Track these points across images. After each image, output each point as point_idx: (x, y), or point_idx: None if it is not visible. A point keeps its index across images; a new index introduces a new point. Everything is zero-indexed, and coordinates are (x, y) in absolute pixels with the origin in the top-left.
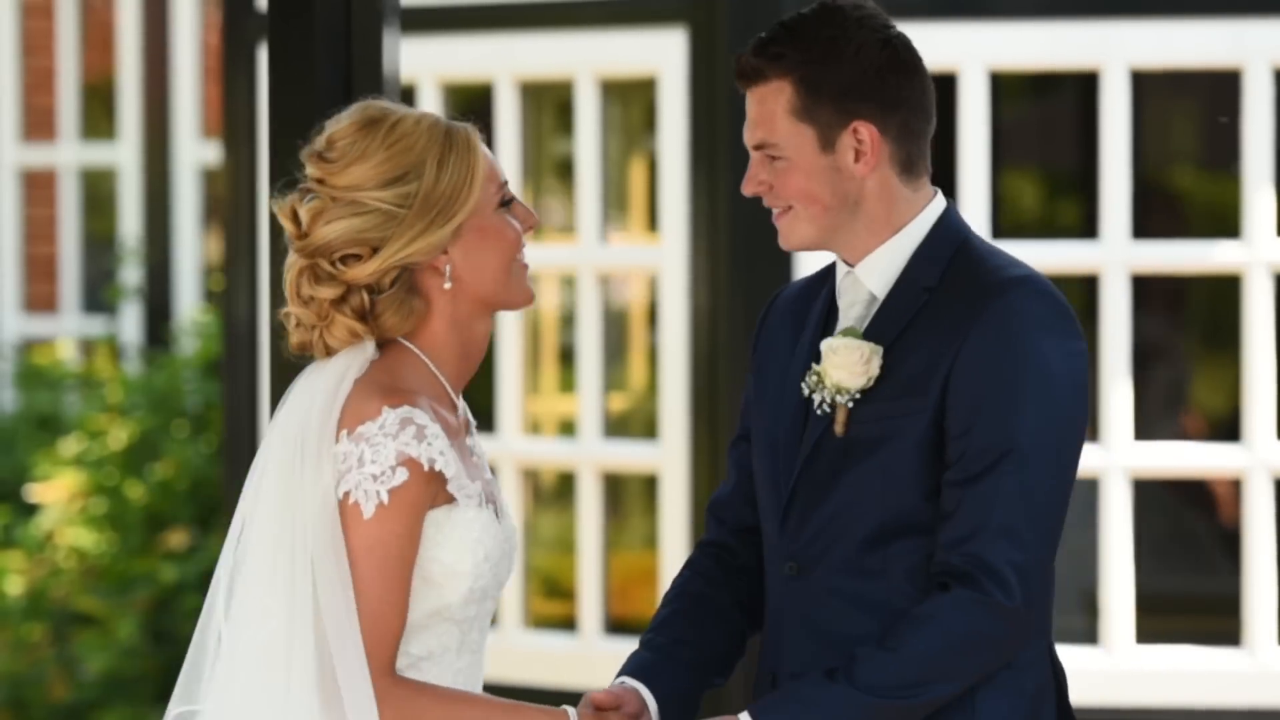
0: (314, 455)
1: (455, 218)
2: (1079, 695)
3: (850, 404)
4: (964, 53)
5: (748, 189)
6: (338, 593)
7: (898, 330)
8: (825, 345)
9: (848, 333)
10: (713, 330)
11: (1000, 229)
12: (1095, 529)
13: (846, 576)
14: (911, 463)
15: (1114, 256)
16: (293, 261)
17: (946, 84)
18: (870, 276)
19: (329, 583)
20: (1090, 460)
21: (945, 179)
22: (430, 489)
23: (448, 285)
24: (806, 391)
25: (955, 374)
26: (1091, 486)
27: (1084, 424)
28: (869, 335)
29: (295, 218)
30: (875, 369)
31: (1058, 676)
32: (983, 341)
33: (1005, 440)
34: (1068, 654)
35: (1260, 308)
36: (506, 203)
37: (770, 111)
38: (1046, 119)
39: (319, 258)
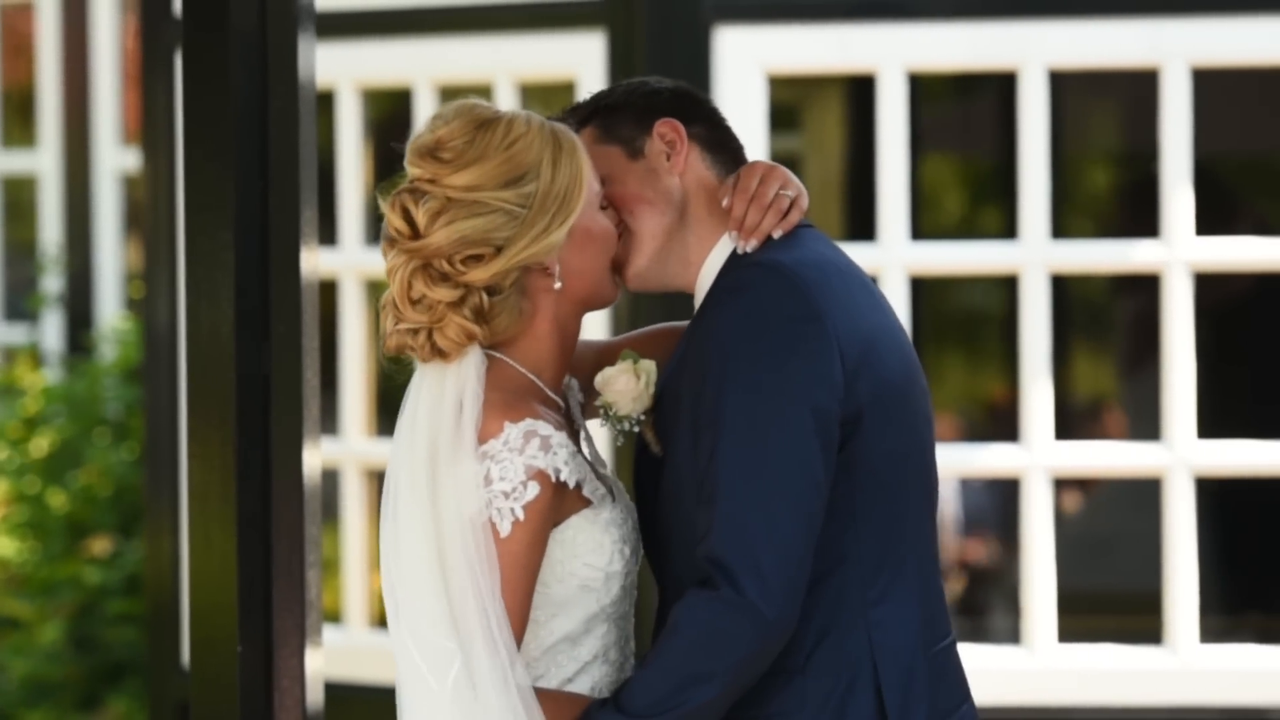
0: (446, 477)
1: (570, 218)
2: (1002, 695)
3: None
4: (882, 54)
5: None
6: (498, 614)
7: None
8: (600, 377)
9: (624, 356)
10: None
11: (921, 230)
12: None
13: None
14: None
15: (1033, 257)
16: (401, 262)
17: (865, 86)
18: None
19: (485, 604)
20: (1012, 459)
21: (866, 181)
22: (559, 498)
23: (558, 285)
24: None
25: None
26: (1013, 486)
27: (798, 420)
28: None
29: (408, 218)
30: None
31: (879, 677)
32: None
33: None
34: (990, 654)
35: (1179, 307)
36: (604, 206)
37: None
38: (967, 120)
39: (438, 258)
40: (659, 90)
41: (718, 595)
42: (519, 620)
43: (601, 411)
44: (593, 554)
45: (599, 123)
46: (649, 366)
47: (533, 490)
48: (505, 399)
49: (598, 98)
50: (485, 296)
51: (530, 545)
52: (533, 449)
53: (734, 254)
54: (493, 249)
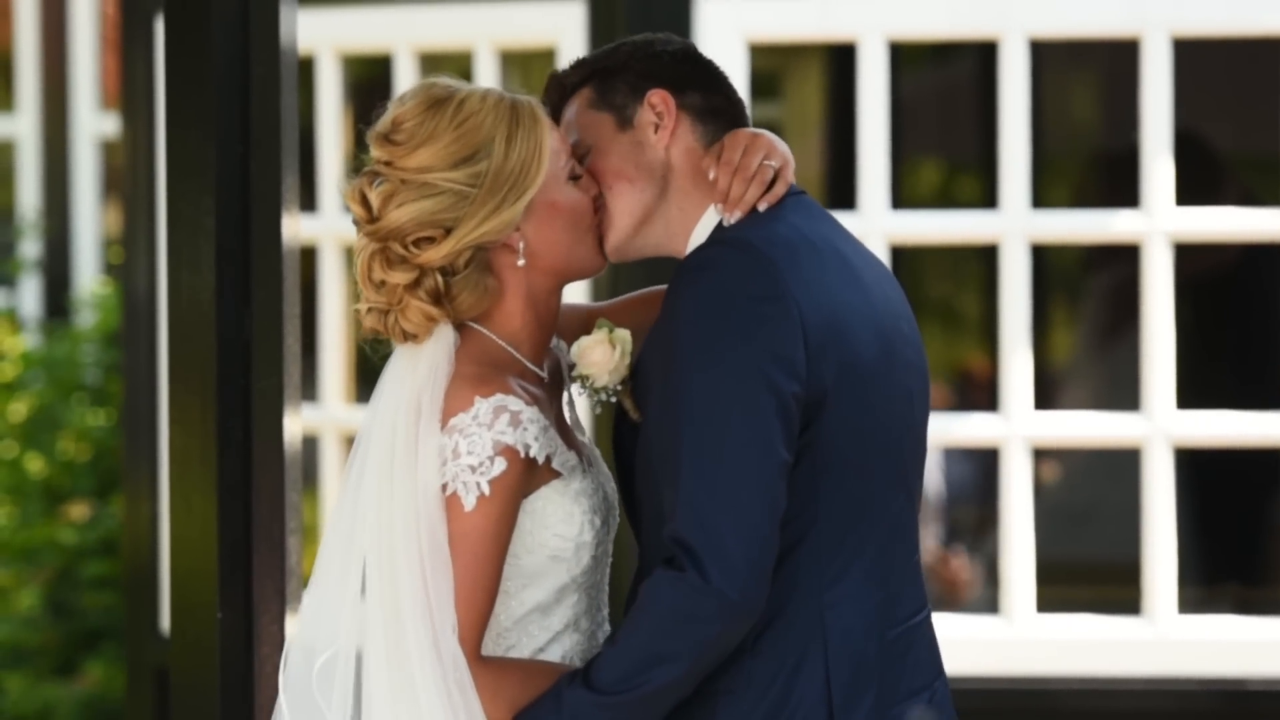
0: (404, 453)
1: (526, 194)
2: (980, 665)
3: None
4: (863, 22)
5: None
6: (440, 585)
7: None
8: (575, 348)
9: (599, 326)
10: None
11: (901, 199)
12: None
13: None
14: None
15: (1013, 226)
16: (363, 245)
17: (845, 55)
18: None
19: (427, 575)
20: (991, 430)
21: (845, 151)
22: (529, 473)
23: (521, 263)
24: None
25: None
26: (992, 456)
27: (760, 401)
28: None
29: (365, 201)
30: (628, 355)
31: (828, 660)
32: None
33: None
34: (969, 623)
35: (1159, 277)
36: (576, 176)
37: (573, 117)
38: (947, 89)
39: (391, 241)
40: (660, 54)
41: (683, 577)
42: (487, 593)
43: (579, 382)
44: (562, 524)
45: (596, 85)
46: (624, 336)
47: (499, 466)
48: (479, 372)
49: (599, 58)
50: (441, 278)
51: (497, 520)
52: (502, 424)
53: (718, 226)
54: (443, 230)
